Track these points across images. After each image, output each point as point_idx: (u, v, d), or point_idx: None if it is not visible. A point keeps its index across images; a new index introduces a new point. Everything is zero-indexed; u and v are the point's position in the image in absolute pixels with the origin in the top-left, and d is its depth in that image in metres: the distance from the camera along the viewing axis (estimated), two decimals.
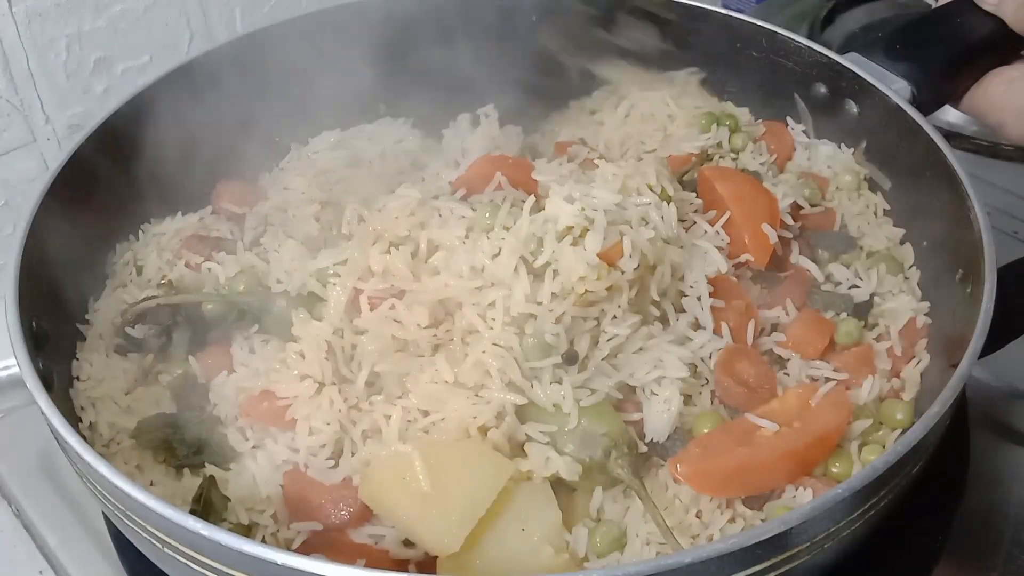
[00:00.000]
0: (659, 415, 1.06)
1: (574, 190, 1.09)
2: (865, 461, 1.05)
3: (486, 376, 1.01)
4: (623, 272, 1.06)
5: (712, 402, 1.11)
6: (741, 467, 1.00)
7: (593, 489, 1.03)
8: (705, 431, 1.05)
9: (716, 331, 1.12)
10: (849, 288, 1.24)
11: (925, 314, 1.20)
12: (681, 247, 1.14)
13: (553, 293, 1.03)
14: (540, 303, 1.03)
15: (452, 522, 0.94)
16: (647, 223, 1.10)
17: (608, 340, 1.06)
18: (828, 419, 1.05)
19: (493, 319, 1.03)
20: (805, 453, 1.02)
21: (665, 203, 1.13)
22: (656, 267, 1.10)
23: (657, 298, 1.10)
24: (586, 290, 1.03)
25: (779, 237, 1.21)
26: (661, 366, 1.07)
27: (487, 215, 1.09)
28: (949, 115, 1.29)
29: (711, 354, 1.11)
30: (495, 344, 1.02)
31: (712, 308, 1.13)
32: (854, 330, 1.17)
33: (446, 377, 1.03)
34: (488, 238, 1.06)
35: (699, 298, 1.13)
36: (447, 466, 0.98)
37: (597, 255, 1.04)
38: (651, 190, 1.13)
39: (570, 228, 1.06)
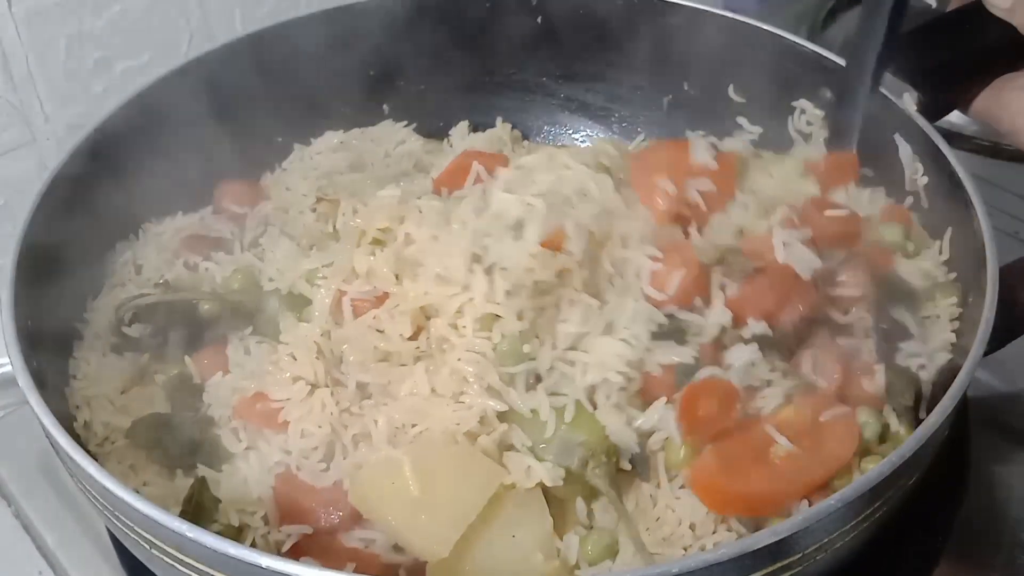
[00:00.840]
0: (616, 427, 1.02)
1: (508, 176, 1.08)
2: (865, 471, 1.03)
3: (464, 383, 1.01)
4: (572, 253, 1.04)
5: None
6: (758, 496, 0.98)
7: (584, 495, 1.02)
8: (680, 458, 1.02)
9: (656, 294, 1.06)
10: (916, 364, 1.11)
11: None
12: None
13: (507, 291, 1.01)
14: (498, 303, 1.02)
15: (442, 527, 0.94)
16: (586, 195, 1.07)
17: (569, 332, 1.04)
18: (841, 448, 1.02)
19: (464, 326, 1.02)
20: (821, 484, 1.01)
21: (602, 174, 1.10)
22: (605, 242, 1.07)
23: (612, 270, 1.07)
24: (535, 281, 1.02)
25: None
26: (602, 367, 1.03)
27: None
28: (951, 115, 1.28)
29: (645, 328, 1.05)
30: (469, 351, 1.01)
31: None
32: (873, 438, 1.06)
33: (424, 389, 1.02)
34: (450, 234, 1.06)
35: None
36: (437, 471, 0.97)
37: (541, 244, 1.03)
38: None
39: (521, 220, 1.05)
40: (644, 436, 1.03)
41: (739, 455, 1.00)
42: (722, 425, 1.03)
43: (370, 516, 0.99)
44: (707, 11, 1.42)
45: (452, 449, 0.99)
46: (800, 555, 0.84)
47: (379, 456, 1.00)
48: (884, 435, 1.08)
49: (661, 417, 1.02)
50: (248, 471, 1.04)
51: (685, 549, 0.98)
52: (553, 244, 1.03)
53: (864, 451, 1.05)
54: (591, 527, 1.01)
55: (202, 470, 1.05)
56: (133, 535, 0.90)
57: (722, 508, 0.98)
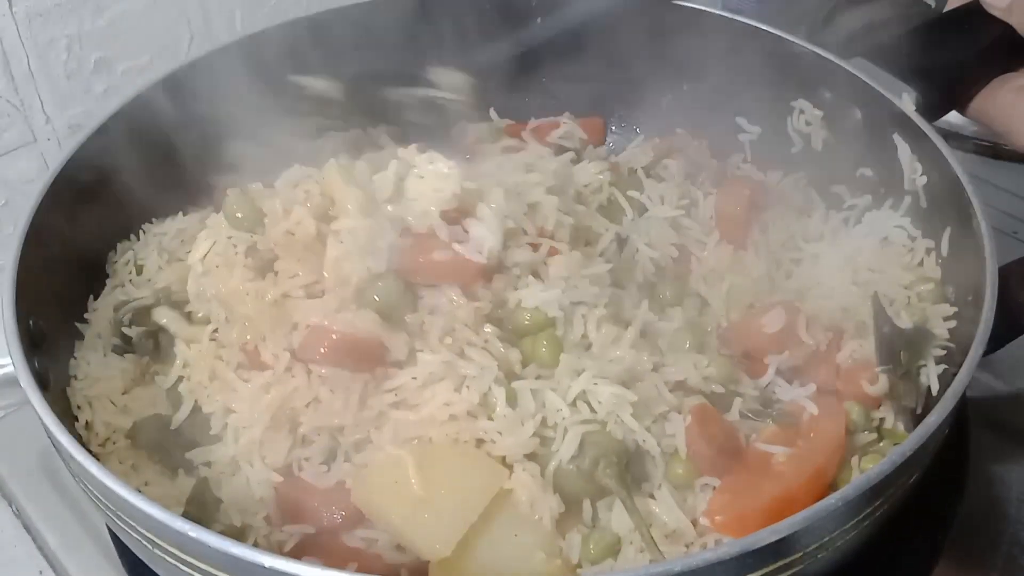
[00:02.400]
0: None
1: None
2: (865, 471, 1.03)
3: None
4: None
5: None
6: (775, 503, 0.98)
7: (592, 495, 1.02)
8: (679, 473, 1.03)
9: None
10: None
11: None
12: None
13: None
14: None
15: (444, 527, 0.94)
16: None
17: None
18: (831, 429, 1.04)
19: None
20: (827, 469, 1.02)
21: None
22: None
23: None
24: None
25: None
26: (582, 378, 1.03)
27: None
28: (949, 115, 1.29)
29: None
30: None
31: None
32: (860, 421, 1.10)
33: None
34: None
35: None
36: (440, 471, 0.97)
37: None
38: None
39: None
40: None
41: (745, 480, 1.02)
42: (722, 445, 1.04)
43: (372, 516, 0.99)
44: (707, 11, 1.42)
45: (455, 449, 1.00)
46: (801, 553, 0.84)
47: (382, 456, 1.00)
48: (879, 427, 1.10)
49: (671, 424, 1.04)
50: (250, 471, 1.04)
51: (687, 546, 0.98)
52: None
53: (858, 449, 1.06)
54: (594, 526, 1.01)
55: (203, 470, 1.05)
56: (135, 535, 0.90)
57: (746, 531, 0.97)
